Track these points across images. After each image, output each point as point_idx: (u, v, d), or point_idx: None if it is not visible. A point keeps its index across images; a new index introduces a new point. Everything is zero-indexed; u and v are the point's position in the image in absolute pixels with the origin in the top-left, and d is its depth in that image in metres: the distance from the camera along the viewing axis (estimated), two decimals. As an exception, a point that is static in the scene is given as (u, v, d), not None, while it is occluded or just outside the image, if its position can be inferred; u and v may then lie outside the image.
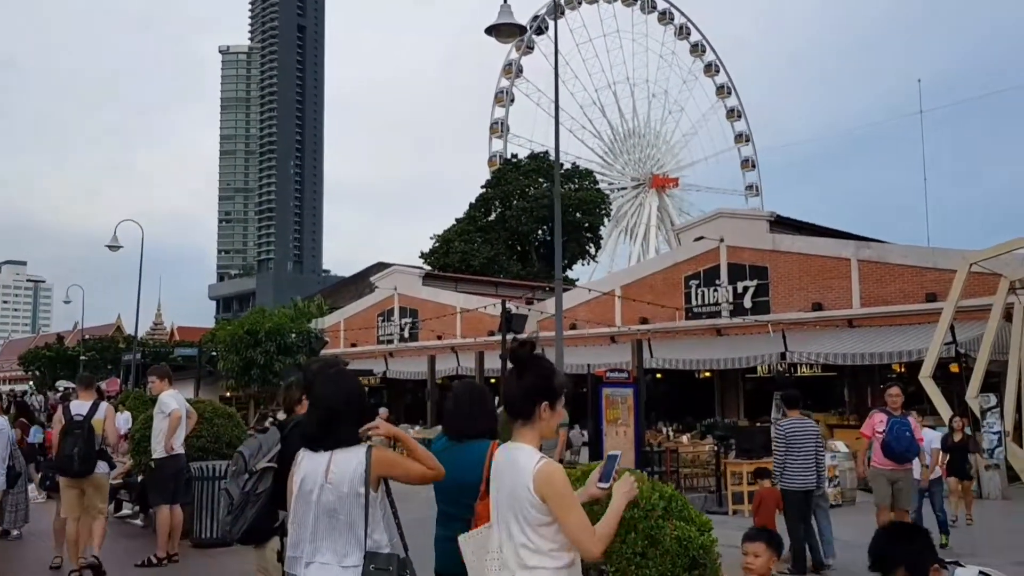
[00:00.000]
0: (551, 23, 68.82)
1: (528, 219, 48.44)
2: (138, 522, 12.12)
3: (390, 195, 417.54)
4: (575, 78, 70.76)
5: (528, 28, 58.28)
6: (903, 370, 22.89)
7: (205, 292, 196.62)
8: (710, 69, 76.29)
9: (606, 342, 28.68)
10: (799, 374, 23.83)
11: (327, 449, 3.45)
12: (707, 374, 26.62)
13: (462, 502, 3.82)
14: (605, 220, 53.96)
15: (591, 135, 71.37)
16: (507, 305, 18.02)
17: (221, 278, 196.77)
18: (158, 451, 9.06)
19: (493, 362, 26.40)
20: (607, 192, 57.22)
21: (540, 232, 50.00)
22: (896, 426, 9.65)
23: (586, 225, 50.45)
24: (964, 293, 21.30)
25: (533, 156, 51.46)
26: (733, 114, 76.43)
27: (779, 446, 9.67)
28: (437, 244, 50.59)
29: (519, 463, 3.06)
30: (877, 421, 9.91)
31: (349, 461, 3.40)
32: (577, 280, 51.24)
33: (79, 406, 8.31)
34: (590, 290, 29.46)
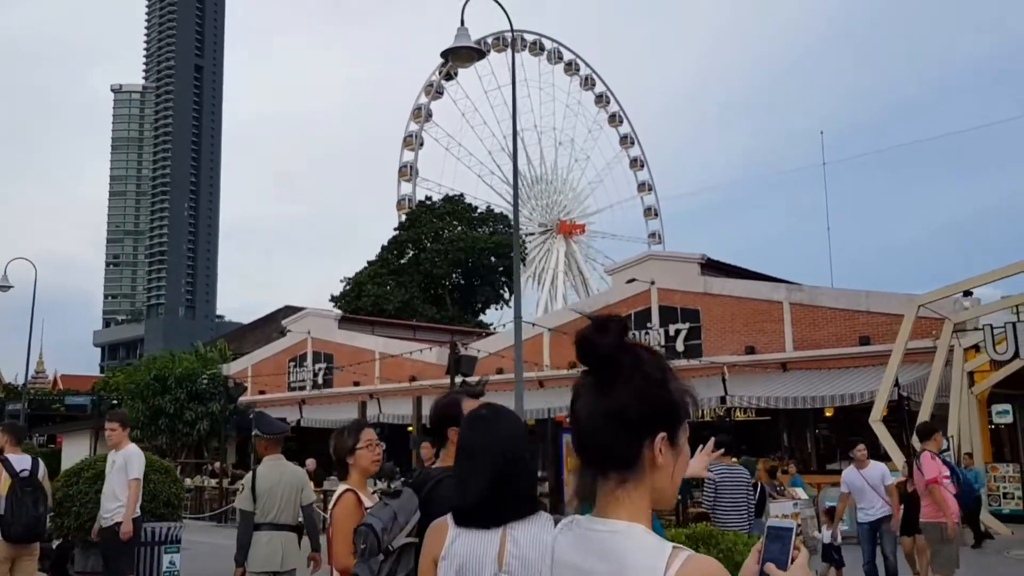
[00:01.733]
0: (459, 70, 68.96)
1: (443, 262, 47.59)
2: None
3: (291, 237, 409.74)
4: (484, 124, 71.00)
5: (443, 69, 57.91)
6: (833, 414, 22.97)
7: (89, 339, 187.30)
8: (614, 120, 77.58)
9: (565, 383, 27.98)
10: (736, 418, 23.54)
11: (496, 525, 2.49)
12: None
13: None
14: (532, 261, 53.53)
15: (500, 180, 71.59)
16: (457, 347, 17.10)
17: (107, 324, 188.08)
18: (117, 515, 7.73)
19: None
20: (521, 237, 56.91)
21: (455, 275, 49.16)
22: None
23: (500, 269, 49.87)
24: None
25: (448, 199, 50.83)
26: (636, 163, 77.67)
27: (709, 493, 9.43)
28: (348, 287, 49.10)
29: (627, 562, 1.60)
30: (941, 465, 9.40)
31: (537, 538, 2.42)
32: (492, 325, 50.53)
33: (19, 460, 6.99)
34: (534, 324, 28.66)
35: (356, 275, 49.88)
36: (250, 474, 6.54)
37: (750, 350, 24.41)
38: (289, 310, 42.06)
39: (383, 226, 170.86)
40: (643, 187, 77.05)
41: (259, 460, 6.72)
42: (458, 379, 16.18)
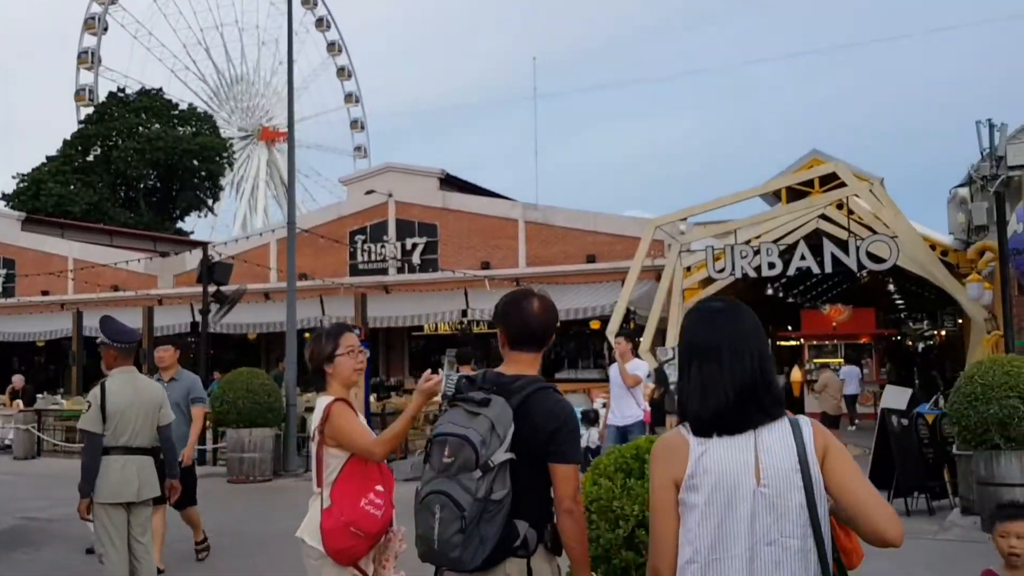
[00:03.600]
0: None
1: (138, 162, 43.30)
2: None
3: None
4: (179, 14, 65.08)
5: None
6: (559, 327, 24.31)
7: None
8: (321, 24, 74.38)
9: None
10: (476, 331, 24.14)
11: (742, 430, 2.21)
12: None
13: None
14: (227, 169, 50.22)
15: (195, 77, 66.33)
16: (209, 252, 15.64)
17: None
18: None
19: (169, 318, 23.71)
20: (229, 140, 53.33)
21: (152, 177, 45.06)
22: None
23: (203, 174, 46.48)
24: (624, 254, 23.15)
25: (145, 93, 46.13)
26: (343, 73, 75.45)
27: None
28: (24, 184, 43.19)
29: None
30: None
31: (783, 445, 2.19)
32: (192, 233, 47.26)
33: None
34: (251, 235, 27.10)
35: (33, 171, 44.00)
36: (96, 389, 5.56)
37: (485, 265, 25.01)
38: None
39: (57, 116, 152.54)
40: (350, 98, 75.16)
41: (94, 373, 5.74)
42: (211, 288, 14.95)
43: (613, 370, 11.25)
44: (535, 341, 3.11)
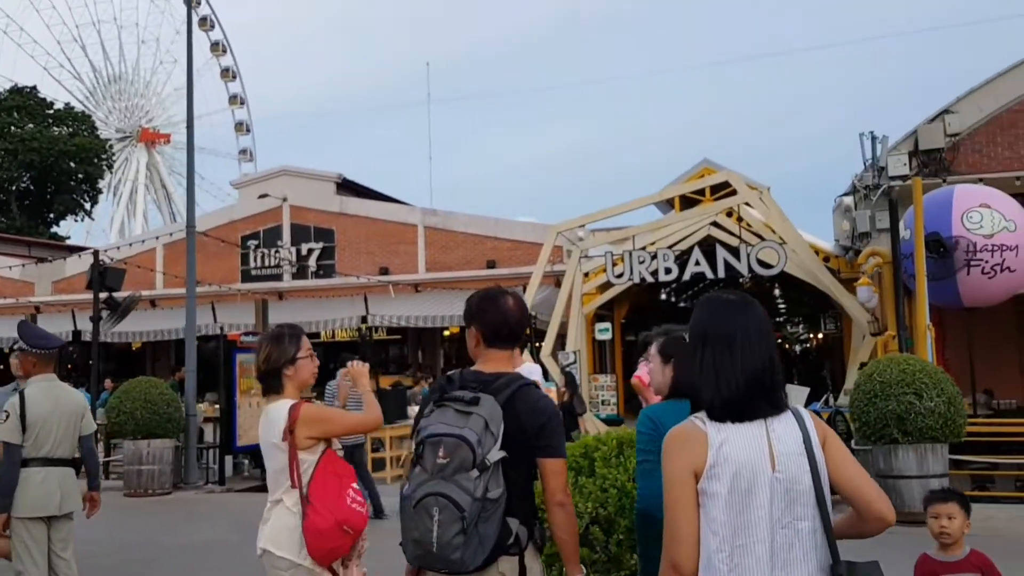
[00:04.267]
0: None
1: (11, 164, 40.99)
2: None
3: None
4: (53, 8, 62.16)
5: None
6: (459, 331, 24.35)
7: None
8: (205, 23, 72.07)
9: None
10: (376, 338, 23.89)
11: (753, 418, 2.28)
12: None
13: None
14: (106, 172, 48.09)
15: (70, 75, 63.44)
16: (102, 257, 14.90)
17: None
18: None
19: (49, 327, 22.35)
20: (108, 141, 51.09)
21: (25, 179, 42.72)
22: None
23: (80, 176, 44.34)
24: (523, 260, 23.38)
25: (17, 90, 43.72)
26: (228, 74, 73.18)
27: (352, 407, 9.93)
28: None
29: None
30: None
31: (790, 433, 2.27)
32: (68, 238, 45.03)
33: None
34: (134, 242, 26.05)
35: None
36: (15, 398, 5.27)
37: (384, 271, 24.79)
38: None
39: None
40: (235, 100, 72.96)
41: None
42: (103, 295, 14.30)
43: None
44: (512, 338, 3.15)
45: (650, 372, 3.72)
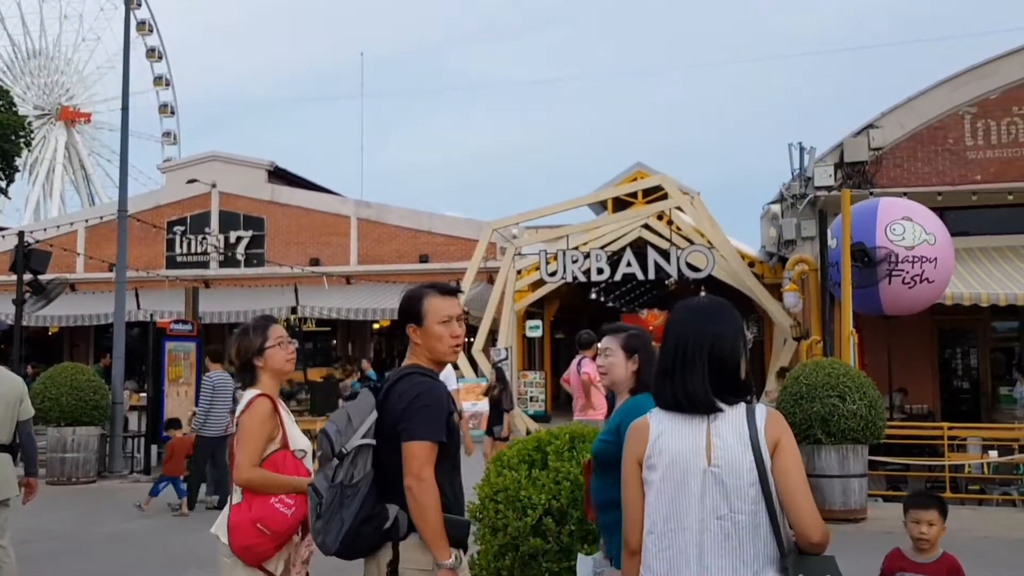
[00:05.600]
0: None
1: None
2: None
3: None
4: (-33, -24, 59.56)
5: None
6: (388, 325, 24.30)
7: None
8: (132, 1, 69.91)
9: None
10: (305, 328, 23.63)
11: (701, 412, 2.41)
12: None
13: None
14: (24, 149, 46.19)
15: (-14, 48, 60.92)
16: (27, 238, 14.38)
17: None
18: None
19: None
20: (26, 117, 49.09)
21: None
22: None
23: (-4, 153, 42.53)
24: (457, 255, 23.44)
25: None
26: (153, 54, 71.03)
27: (206, 396, 10.38)
28: None
29: None
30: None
31: (734, 429, 2.38)
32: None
33: None
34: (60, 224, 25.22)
35: None
36: (-46, 382, 5.14)
37: (315, 262, 24.56)
38: None
39: None
40: (160, 81, 70.98)
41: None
42: (27, 276, 13.84)
43: None
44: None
45: (601, 367, 3.77)
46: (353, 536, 2.92)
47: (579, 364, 10.03)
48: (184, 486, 10.39)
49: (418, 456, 2.90)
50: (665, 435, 2.40)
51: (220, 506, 9.48)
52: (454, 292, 3.27)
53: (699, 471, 2.34)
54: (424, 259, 24.11)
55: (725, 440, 2.37)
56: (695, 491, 2.33)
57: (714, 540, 2.32)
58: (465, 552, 3.06)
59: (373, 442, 2.97)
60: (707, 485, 2.33)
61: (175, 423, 11.23)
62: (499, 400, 13.53)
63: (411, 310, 3.17)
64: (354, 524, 2.91)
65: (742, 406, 2.44)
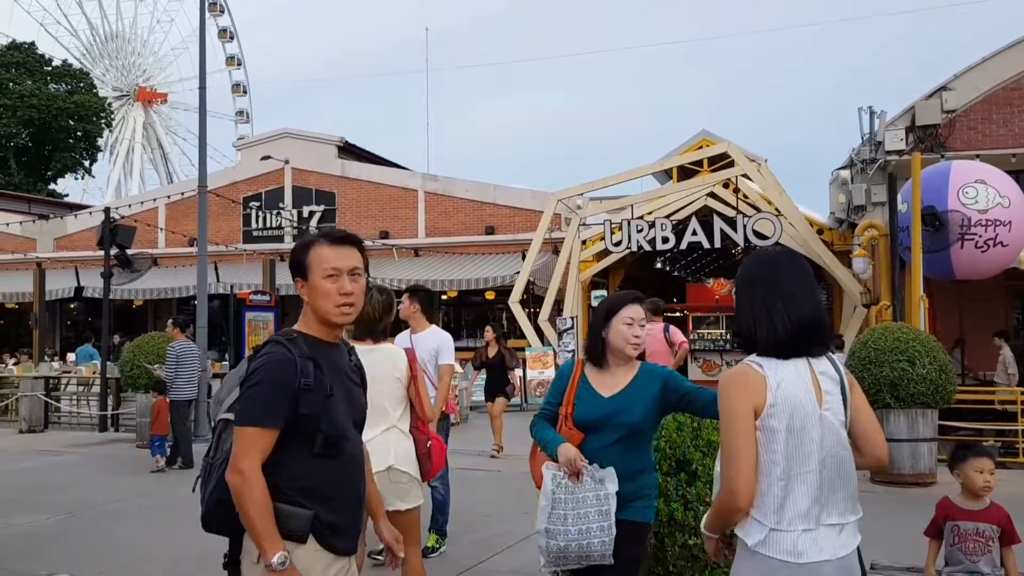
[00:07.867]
0: None
1: (10, 120, 40.93)
2: None
3: None
4: (50, -37, 61.42)
5: None
6: (456, 296, 24.70)
7: None
8: (202, -19, 71.16)
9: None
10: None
11: (800, 356, 2.55)
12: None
13: None
14: (104, 130, 47.98)
15: (67, 32, 62.92)
16: (112, 214, 15.09)
17: None
18: None
19: (51, 283, 22.84)
20: (106, 99, 50.85)
21: (24, 136, 42.65)
22: None
23: (79, 134, 44.31)
24: (522, 227, 23.64)
25: (15, 46, 43.50)
26: (225, 34, 72.59)
27: (171, 365, 11.25)
28: None
29: None
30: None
31: (830, 375, 2.57)
32: (67, 196, 45.07)
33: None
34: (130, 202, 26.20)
35: None
36: None
37: (384, 235, 25.05)
38: None
39: None
40: (232, 61, 72.54)
41: None
42: (114, 251, 14.53)
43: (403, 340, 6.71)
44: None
45: (638, 337, 3.63)
46: (209, 518, 2.65)
47: (667, 330, 9.92)
48: (166, 445, 11.25)
49: (239, 443, 2.48)
50: (785, 383, 2.50)
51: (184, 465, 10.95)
52: (349, 240, 2.72)
53: (816, 416, 2.49)
54: (490, 231, 24.39)
55: (828, 384, 2.55)
56: (815, 436, 2.49)
57: (830, 477, 2.51)
58: (317, 545, 2.57)
59: (231, 417, 2.58)
60: (824, 428, 2.50)
61: (161, 386, 11.59)
62: (502, 361, 13.26)
63: (296, 261, 2.67)
64: (210, 505, 2.62)
65: (827, 354, 2.63)
